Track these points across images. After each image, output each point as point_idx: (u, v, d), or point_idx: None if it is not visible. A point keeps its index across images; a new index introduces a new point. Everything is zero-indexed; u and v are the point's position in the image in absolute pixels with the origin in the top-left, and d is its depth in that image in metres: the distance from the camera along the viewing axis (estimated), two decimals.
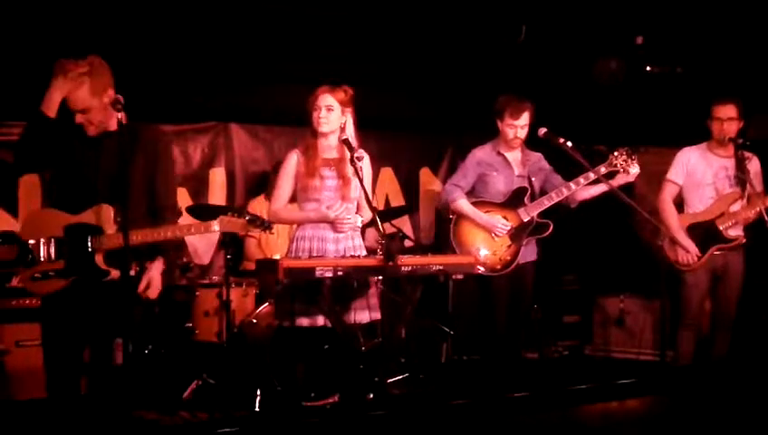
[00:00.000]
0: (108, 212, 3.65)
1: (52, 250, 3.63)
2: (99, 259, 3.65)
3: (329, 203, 4.31)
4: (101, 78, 3.66)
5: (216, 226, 3.78)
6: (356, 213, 4.44)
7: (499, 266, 4.95)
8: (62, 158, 3.69)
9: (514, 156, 5.08)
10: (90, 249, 3.63)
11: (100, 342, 3.70)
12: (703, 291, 5.20)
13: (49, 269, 3.63)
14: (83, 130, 3.69)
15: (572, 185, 4.94)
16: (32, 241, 3.64)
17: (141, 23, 5.17)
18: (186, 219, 5.31)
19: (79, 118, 3.66)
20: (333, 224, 4.32)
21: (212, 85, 5.83)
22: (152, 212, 3.79)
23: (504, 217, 4.98)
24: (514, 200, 5.01)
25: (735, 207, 5.13)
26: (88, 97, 3.63)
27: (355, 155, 4.26)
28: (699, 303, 5.22)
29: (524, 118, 4.93)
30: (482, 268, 4.86)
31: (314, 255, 4.27)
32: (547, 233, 5.00)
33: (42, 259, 3.63)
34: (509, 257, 4.96)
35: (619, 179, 4.91)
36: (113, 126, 3.71)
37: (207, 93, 5.92)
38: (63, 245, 3.64)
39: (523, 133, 4.96)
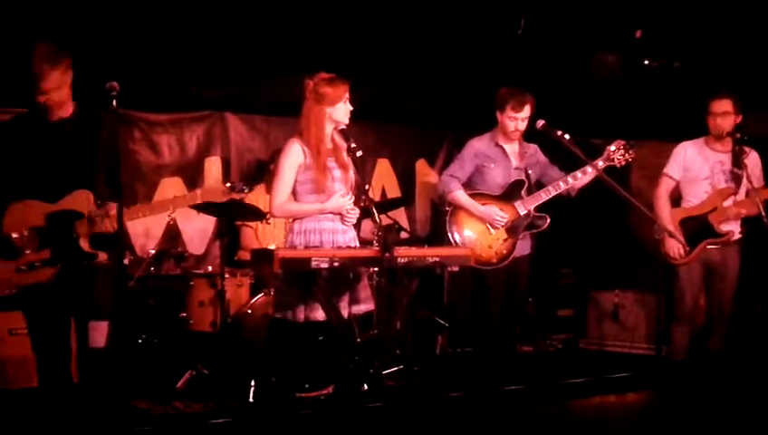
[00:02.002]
0: (87, 196, 3.65)
1: (36, 240, 3.62)
2: (84, 244, 3.64)
3: (342, 193, 4.27)
4: (68, 59, 3.66)
5: (199, 197, 3.82)
6: None
7: (495, 260, 4.94)
8: (29, 146, 3.66)
9: (512, 148, 5.07)
10: (75, 235, 3.62)
11: (84, 325, 3.69)
12: (697, 286, 5.20)
13: (34, 260, 3.62)
14: (43, 116, 3.68)
15: (570, 179, 4.93)
16: (14, 234, 3.63)
17: (138, 10, 5.13)
18: (181, 208, 5.33)
19: (43, 98, 3.62)
20: (342, 215, 4.28)
21: (208, 74, 5.80)
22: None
23: (501, 210, 4.97)
24: (512, 193, 5.00)
25: (729, 202, 5.13)
26: (60, 77, 3.62)
27: (352, 145, 4.24)
28: (693, 297, 5.22)
29: (526, 111, 4.91)
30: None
31: (311, 246, 4.25)
32: (544, 227, 4.99)
33: (26, 251, 3.62)
34: (505, 251, 4.95)
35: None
36: (70, 109, 3.71)
37: (203, 82, 5.89)
38: (47, 233, 3.63)
39: (523, 126, 4.95)
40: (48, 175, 3.66)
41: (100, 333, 3.63)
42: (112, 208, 3.59)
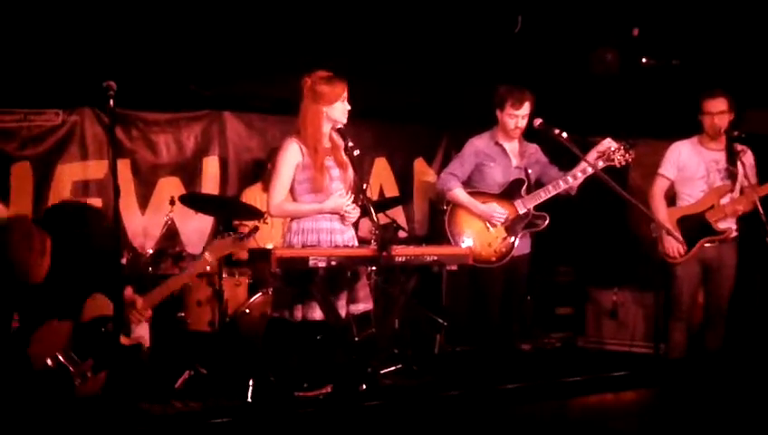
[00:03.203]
0: (101, 299, 3.71)
1: (71, 357, 3.67)
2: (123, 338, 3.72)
3: (339, 193, 4.26)
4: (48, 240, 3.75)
5: (207, 259, 3.82)
6: None
7: (494, 259, 4.93)
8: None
9: (512, 147, 5.06)
10: (113, 335, 3.66)
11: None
12: (694, 283, 5.21)
13: (83, 371, 3.67)
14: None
15: (569, 178, 4.91)
16: (48, 361, 3.66)
17: (135, 9, 5.12)
18: (179, 208, 5.33)
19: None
20: (342, 215, 4.27)
21: (205, 73, 5.80)
22: None
23: (501, 208, 4.96)
24: (511, 192, 4.99)
25: (725, 199, 5.14)
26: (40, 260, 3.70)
27: (349, 144, 4.23)
28: (690, 295, 5.23)
29: (526, 108, 4.90)
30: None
31: (309, 245, 4.24)
32: (543, 226, 4.98)
33: (70, 369, 3.66)
34: (504, 250, 4.94)
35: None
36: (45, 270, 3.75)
37: (201, 81, 5.88)
38: (81, 345, 3.68)
39: (523, 123, 4.93)
40: (53, 306, 3.70)
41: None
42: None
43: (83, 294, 3.72)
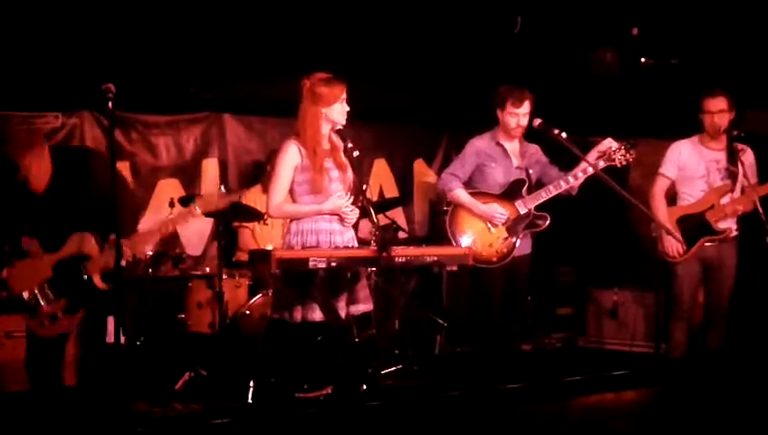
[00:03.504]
0: (88, 238, 3.69)
1: (49, 293, 3.63)
2: (97, 281, 3.66)
3: (339, 194, 4.26)
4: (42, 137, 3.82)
5: (196, 210, 3.81)
6: None
7: (495, 259, 4.92)
8: (18, 215, 3.71)
9: (513, 147, 5.05)
10: (85, 277, 3.63)
11: (96, 325, 3.69)
12: (694, 283, 5.21)
13: (54, 312, 3.63)
14: (26, 188, 3.74)
15: (570, 178, 4.90)
16: (25, 293, 3.64)
17: (134, 12, 5.13)
18: (178, 210, 5.32)
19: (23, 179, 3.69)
20: (341, 216, 4.27)
21: (205, 76, 5.80)
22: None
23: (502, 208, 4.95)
24: (512, 192, 4.98)
25: (726, 199, 5.13)
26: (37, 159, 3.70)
27: (348, 146, 4.23)
28: (691, 294, 5.23)
29: (526, 106, 4.90)
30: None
31: (308, 246, 4.24)
32: (544, 226, 4.98)
33: (42, 305, 3.63)
34: (505, 250, 4.94)
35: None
36: (48, 176, 3.74)
37: (200, 84, 5.89)
38: (59, 283, 3.62)
39: (524, 122, 4.93)
40: (41, 230, 3.70)
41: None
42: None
43: (71, 228, 3.70)
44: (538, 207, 4.96)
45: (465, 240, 4.91)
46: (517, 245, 4.95)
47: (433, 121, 6.88)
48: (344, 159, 4.30)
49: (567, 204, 5.15)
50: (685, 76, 6.33)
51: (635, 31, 6.14)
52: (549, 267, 6.91)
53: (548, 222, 4.97)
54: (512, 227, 4.94)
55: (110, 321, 3.58)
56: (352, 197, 4.30)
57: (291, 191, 4.30)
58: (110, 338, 3.56)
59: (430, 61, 6.19)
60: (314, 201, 4.25)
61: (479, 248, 4.89)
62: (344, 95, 4.25)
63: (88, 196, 3.68)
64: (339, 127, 4.28)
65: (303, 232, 4.26)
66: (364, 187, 4.36)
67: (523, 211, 4.95)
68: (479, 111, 5.27)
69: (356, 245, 4.38)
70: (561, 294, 7.00)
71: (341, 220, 4.29)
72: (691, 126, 5.27)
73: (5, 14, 4.88)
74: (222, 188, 3.94)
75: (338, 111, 4.25)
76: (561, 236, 5.81)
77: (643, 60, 6.41)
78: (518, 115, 4.90)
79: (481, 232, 4.95)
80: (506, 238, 4.94)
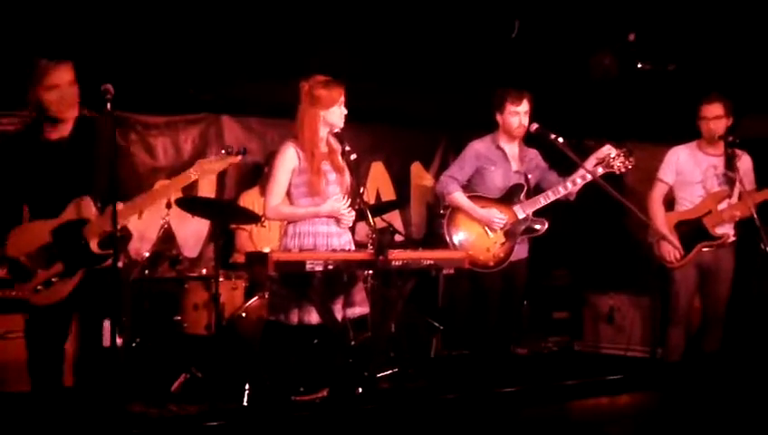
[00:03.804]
0: (87, 202, 3.64)
1: (45, 257, 3.61)
2: (94, 247, 3.63)
3: (336, 197, 4.26)
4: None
5: (192, 174, 3.76)
6: None
7: (492, 263, 4.92)
8: (25, 167, 3.66)
9: (513, 151, 5.05)
10: (83, 241, 3.61)
11: (92, 326, 3.67)
12: (691, 288, 5.22)
13: (49, 277, 3.61)
14: (40, 133, 3.68)
15: (569, 184, 4.90)
16: (21, 257, 3.62)
17: (134, 12, 5.13)
18: (176, 211, 5.33)
19: (56, 114, 3.63)
20: (338, 219, 4.27)
21: (204, 76, 5.80)
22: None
23: (500, 213, 4.95)
24: (510, 196, 4.98)
25: (723, 205, 5.15)
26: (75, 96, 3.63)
27: (346, 148, 4.23)
28: (688, 299, 5.24)
29: (525, 104, 4.91)
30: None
31: (306, 249, 4.24)
32: (542, 231, 4.98)
33: (38, 271, 3.61)
34: (503, 255, 4.94)
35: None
36: (69, 127, 3.71)
37: (199, 84, 5.88)
38: (56, 248, 3.62)
39: (526, 121, 4.92)
40: (46, 194, 3.66)
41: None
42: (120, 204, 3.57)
43: (72, 193, 3.67)
44: (536, 212, 4.97)
45: (463, 244, 4.92)
46: (514, 249, 4.96)
47: (431, 124, 6.88)
48: (341, 162, 4.31)
49: (564, 207, 5.16)
50: (681, 81, 6.34)
51: (632, 36, 6.16)
52: (545, 271, 6.91)
53: (546, 227, 4.97)
54: (510, 232, 4.94)
55: (106, 324, 3.55)
56: (350, 199, 4.30)
57: (288, 194, 4.31)
58: (107, 341, 3.53)
59: (428, 64, 6.19)
60: (312, 204, 4.26)
61: (477, 252, 4.89)
62: (342, 98, 4.26)
63: (92, 161, 3.65)
64: (336, 130, 4.29)
65: (301, 234, 4.26)
66: (361, 189, 4.37)
67: (521, 216, 4.96)
68: (477, 115, 5.28)
69: (353, 247, 4.38)
70: (558, 298, 7.00)
71: (338, 223, 4.29)
72: (687, 131, 5.29)
73: (5, 14, 4.88)
74: (223, 151, 3.89)
75: (336, 114, 4.25)
76: (558, 240, 5.82)
77: (640, 65, 6.42)
78: (519, 114, 4.90)
79: (479, 236, 4.95)
80: (504, 243, 4.95)
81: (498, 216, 4.92)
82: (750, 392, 4.60)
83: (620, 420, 4.64)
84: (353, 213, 4.31)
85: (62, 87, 3.64)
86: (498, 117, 4.99)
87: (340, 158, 4.30)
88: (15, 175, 3.68)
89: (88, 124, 3.69)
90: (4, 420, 4.33)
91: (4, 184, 3.70)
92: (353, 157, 4.23)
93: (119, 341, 3.67)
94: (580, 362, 6.34)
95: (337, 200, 4.25)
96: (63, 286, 3.61)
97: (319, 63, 4.53)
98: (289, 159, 4.25)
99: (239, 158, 3.90)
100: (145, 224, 5.54)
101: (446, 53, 6.10)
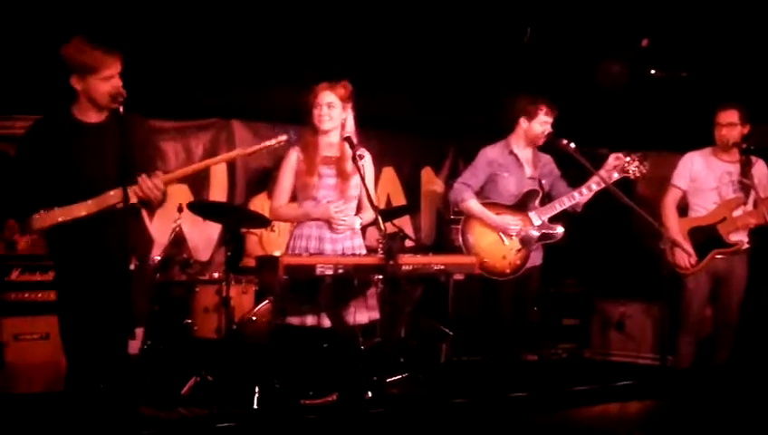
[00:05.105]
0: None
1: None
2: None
3: (329, 200, 4.27)
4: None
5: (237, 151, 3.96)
6: (357, 213, 4.40)
7: (509, 271, 4.88)
8: (66, 151, 3.66)
9: (527, 156, 5.02)
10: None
11: (118, 331, 3.65)
12: (703, 295, 5.19)
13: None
14: (77, 121, 3.68)
15: (584, 190, 4.87)
16: None
17: (144, 18, 5.15)
18: (187, 215, 5.36)
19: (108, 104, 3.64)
20: (330, 223, 4.27)
21: (214, 82, 5.82)
22: None
23: (515, 219, 4.93)
24: (525, 203, 4.95)
25: (738, 212, 5.12)
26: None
27: (357, 153, 4.23)
28: (700, 307, 5.21)
29: (554, 115, 4.93)
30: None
31: (312, 253, 4.24)
32: (558, 237, 4.94)
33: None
34: (519, 262, 4.89)
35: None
36: (106, 113, 3.72)
37: (209, 90, 5.91)
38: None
39: (549, 130, 4.93)
40: (83, 179, 3.63)
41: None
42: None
43: (99, 188, 3.65)
44: (550, 219, 4.94)
45: (479, 252, 4.85)
46: (530, 256, 4.93)
47: (441, 130, 6.89)
48: (349, 168, 4.28)
49: (573, 216, 5.15)
50: (694, 89, 6.33)
51: (645, 42, 6.14)
52: (555, 278, 6.90)
53: (561, 233, 4.93)
54: (526, 239, 4.91)
55: (139, 332, 3.53)
56: (345, 204, 4.29)
57: (294, 196, 4.37)
58: (134, 350, 3.52)
59: (439, 70, 6.20)
60: (309, 206, 4.29)
61: (493, 260, 4.85)
62: (320, 99, 4.26)
63: (131, 158, 3.63)
64: (347, 134, 4.29)
65: (305, 236, 4.29)
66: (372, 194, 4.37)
67: (536, 222, 4.92)
68: (487, 121, 5.27)
69: (364, 252, 4.38)
70: (567, 306, 6.98)
71: (331, 227, 4.29)
72: (698, 139, 5.27)
73: (16, 18, 4.92)
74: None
75: (315, 115, 4.27)
76: (568, 248, 5.82)
77: (652, 72, 6.41)
78: (548, 123, 4.90)
79: (495, 244, 4.91)
80: (520, 250, 4.90)
81: (513, 222, 4.89)
82: (759, 401, 4.58)
83: (629, 427, 4.63)
84: (346, 218, 4.29)
85: (115, 78, 3.67)
86: (524, 122, 4.95)
87: (349, 163, 4.29)
88: (51, 156, 3.65)
89: (120, 118, 3.70)
90: (18, 421, 4.35)
91: (38, 166, 3.67)
92: (362, 162, 4.20)
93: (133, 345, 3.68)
94: (590, 369, 6.32)
95: (332, 205, 4.25)
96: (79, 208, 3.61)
97: (328, 68, 4.54)
98: (291, 162, 4.33)
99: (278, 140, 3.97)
100: (156, 228, 5.58)
101: (457, 59, 6.11)
